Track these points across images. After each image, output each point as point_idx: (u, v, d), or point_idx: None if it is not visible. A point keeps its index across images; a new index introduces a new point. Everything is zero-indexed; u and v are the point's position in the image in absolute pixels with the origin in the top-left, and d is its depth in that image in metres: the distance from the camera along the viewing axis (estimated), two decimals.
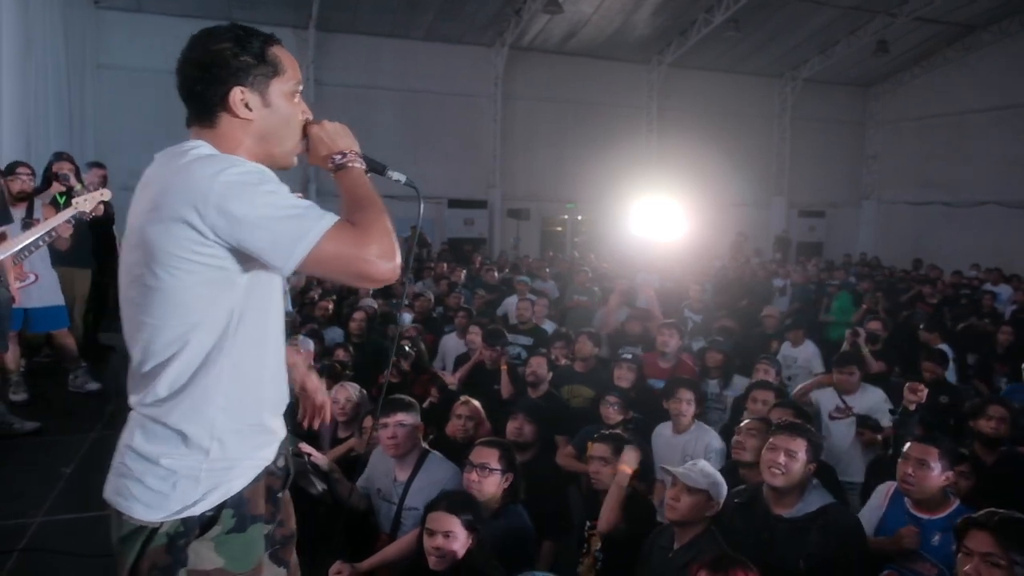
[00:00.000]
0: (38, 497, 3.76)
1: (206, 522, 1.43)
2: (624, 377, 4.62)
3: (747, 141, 17.48)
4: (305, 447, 3.29)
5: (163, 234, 1.32)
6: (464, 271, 10.21)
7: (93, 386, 5.47)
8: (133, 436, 1.43)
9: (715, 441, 3.98)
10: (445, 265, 10.68)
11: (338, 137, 1.54)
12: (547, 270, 10.55)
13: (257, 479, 1.51)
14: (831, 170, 19.06)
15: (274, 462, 1.58)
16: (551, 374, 4.81)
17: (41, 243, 4.79)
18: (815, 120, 18.45)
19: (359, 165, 1.52)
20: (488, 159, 15.96)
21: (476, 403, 3.92)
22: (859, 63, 16.98)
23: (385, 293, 7.52)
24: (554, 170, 16.23)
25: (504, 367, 4.97)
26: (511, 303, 7.59)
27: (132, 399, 1.46)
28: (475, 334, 5.70)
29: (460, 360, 5.79)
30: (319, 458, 3.31)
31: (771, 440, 2.89)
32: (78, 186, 5.34)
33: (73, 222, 4.96)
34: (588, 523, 3.27)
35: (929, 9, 14.15)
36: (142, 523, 1.40)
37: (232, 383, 1.43)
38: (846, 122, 19.21)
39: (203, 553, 1.43)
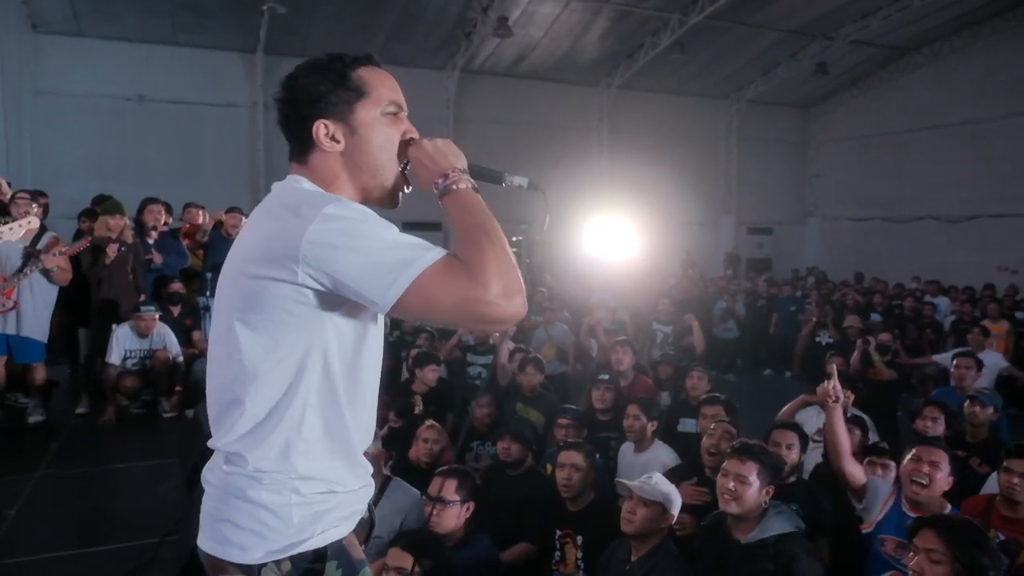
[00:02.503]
0: None
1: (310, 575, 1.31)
2: (602, 398, 4.67)
3: (695, 161, 17.85)
4: None
5: (257, 280, 1.23)
6: None
7: (37, 418, 5.34)
8: (217, 475, 1.33)
9: (667, 456, 4.02)
10: None
11: (439, 156, 1.35)
12: None
13: (351, 527, 1.41)
14: (777, 188, 19.61)
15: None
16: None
17: (28, 271, 4.90)
18: (760, 140, 18.97)
19: (465, 186, 1.34)
20: None
21: (440, 427, 3.90)
22: (800, 85, 17.59)
23: None
24: (507, 191, 16.02)
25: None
26: None
27: (215, 437, 1.35)
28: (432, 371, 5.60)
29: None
30: None
31: (723, 465, 2.86)
32: (8, 193, 5.27)
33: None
34: (558, 531, 3.28)
35: (864, 33, 14.77)
36: (240, 566, 1.28)
37: (316, 426, 1.31)
38: (790, 142, 19.81)
39: None
